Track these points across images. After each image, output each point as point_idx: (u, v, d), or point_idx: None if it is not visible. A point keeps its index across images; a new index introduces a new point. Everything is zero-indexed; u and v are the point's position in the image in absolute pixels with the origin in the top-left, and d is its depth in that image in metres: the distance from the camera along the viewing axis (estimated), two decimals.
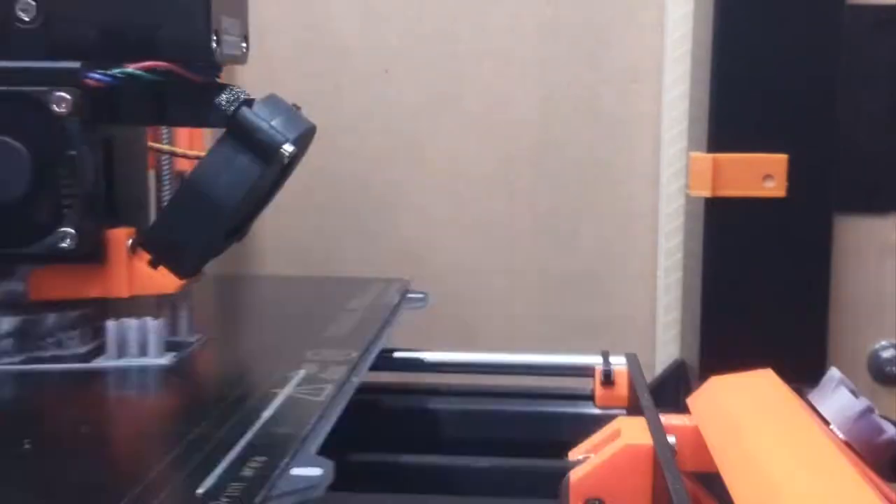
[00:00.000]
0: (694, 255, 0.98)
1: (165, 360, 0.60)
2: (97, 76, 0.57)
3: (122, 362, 0.59)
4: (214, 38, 0.59)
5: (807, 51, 0.92)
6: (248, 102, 0.60)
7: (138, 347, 0.60)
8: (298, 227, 1.07)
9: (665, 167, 1.02)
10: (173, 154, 0.80)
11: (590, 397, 0.70)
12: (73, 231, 0.57)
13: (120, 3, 0.59)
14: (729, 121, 0.93)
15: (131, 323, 0.60)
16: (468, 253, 1.06)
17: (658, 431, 0.53)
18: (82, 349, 0.61)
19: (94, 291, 0.60)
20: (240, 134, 0.59)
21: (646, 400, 0.61)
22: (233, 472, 0.42)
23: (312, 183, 1.06)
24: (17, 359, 0.59)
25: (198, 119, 0.62)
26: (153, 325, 0.60)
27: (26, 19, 0.58)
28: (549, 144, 1.05)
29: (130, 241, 0.61)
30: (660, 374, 1.01)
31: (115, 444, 0.49)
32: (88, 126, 0.58)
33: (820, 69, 0.93)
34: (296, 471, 0.42)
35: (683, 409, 0.59)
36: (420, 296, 0.80)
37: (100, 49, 0.58)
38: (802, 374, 0.61)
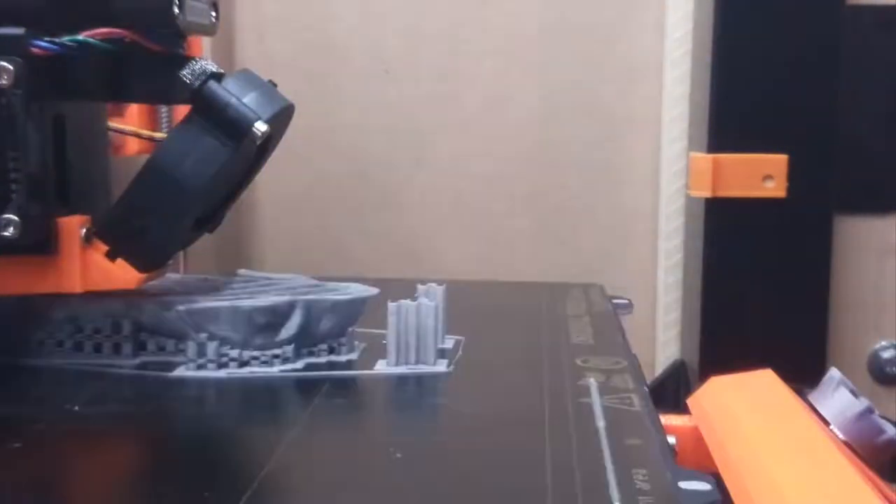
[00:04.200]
0: (694, 256, 0.98)
1: (442, 367, 0.56)
2: (44, 44, 0.51)
3: (404, 369, 0.55)
4: (177, 2, 0.53)
5: (807, 51, 0.92)
6: (217, 76, 0.54)
7: (416, 353, 0.55)
8: (298, 226, 1.07)
9: (665, 167, 1.02)
10: (136, 135, 0.71)
11: None
12: (16, 218, 0.51)
13: None
14: (729, 121, 0.93)
15: (411, 326, 0.55)
16: (468, 253, 1.06)
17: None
18: (354, 355, 0.57)
19: (42, 286, 0.53)
20: (207, 111, 0.53)
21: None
22: (629, 485, 0.39)
23: (313, 183, 1.06)
24: (299, 364, 0.55)
25: (159, 94, 0.56)
26: (429, 328, 0.55)
27: None
28: (549, 144, 1.05)
29: (84, 230, 0.54)
30: (660, 374, 1.01)
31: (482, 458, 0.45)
32: (34, 100, 0.51)
33: (820, 69, 0.93)
34: (685, 484, 0.40)
35: (683, 409, 0.59)
36: (625, 301, 0.77)
37: (48, 14, 0.52)
38: (802, 374, 0.61)
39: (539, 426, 0.46)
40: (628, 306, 0.76)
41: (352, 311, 0.57)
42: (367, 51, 1.05)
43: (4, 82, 0.51)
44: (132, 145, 0.78)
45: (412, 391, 0.54)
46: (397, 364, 0.55)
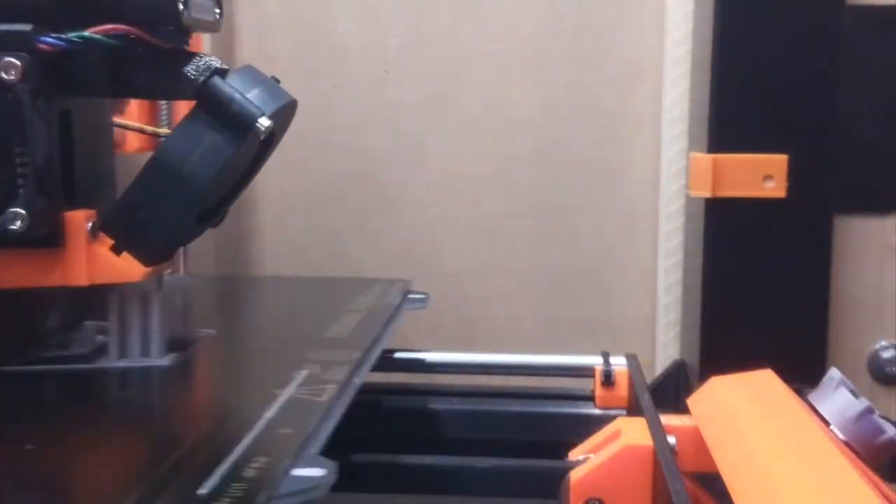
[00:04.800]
0: (694, 256, 0.98)
1: (166, 360, 0.59)
2: (50, 41, 0.52)
3: (124, 363, 0.58)
4: None
5: (807, 51, 0.92)
6: (221, 72, 0.55)
7: (140, 347, 0.58)
8: (298, 227, 1.07)
9: (665, 167, 1.02)
10: (141, 131, 0.72)
11: (590, 398, 0.70)
12: (23, 212, 0.52)
13: None
14: (729, 121, 0.93)
15: (134, 323, 0.58)
16: (468, 253, 1.06)
17: (658, 432, 0.53)
18: (84, 349, 0.59)
19: (49, 280, 0.55)
20: (211, 106, 0.54)
21: (646, 400, 0.61)
22: (235, 473, 0.41)
23: (312, 183, 1.06)
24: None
25: (164, 90, 0.57)
26: (155, 325, 0.58)
27: None
28: (549, 144, 1.05)
29: (91, 224, 0.55)
30: (660, 374, 1.01)
31: (118, 446, 0.49)
32: (41, 96, 0.52)
33: (820, 69, 0.93)
34: (298, 471, 0.42)
35: (683, 410, 0.59)
36: (421, 296, 0.80)
37: (55, 11, 0.53)
38: (802, 374, 0.61)
39: (208, 414, 0.50)
40: (422, 300, 0.79)
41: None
42: (367, 51, 1.05)
43: (12, 78, 0.51)
44: (132, 143, 0.78)
45: (114, 386, 0.57)
46: (119, 358, 0.57)
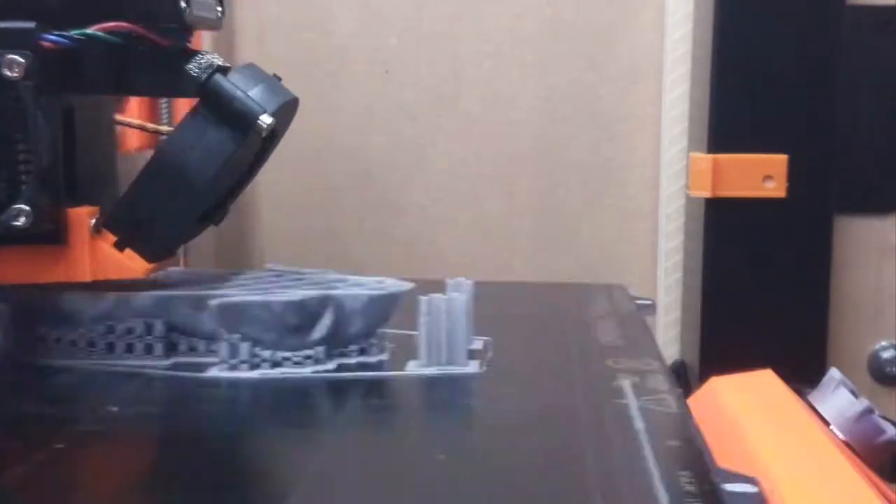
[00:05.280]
0: (694, 256, 0.98)
1: (474, 367, 0.55)
2: (53, 38, 0.52)
3: (435, 370, 0.54)
4: None
5: (807, 51, 0.92)
6: (223, 70, 0.55)
7: (447, 353, 0.54)
8: (298, 226, 1.07)
9: (665, 168, 1.02)
10: (143, 129, 0.72)
11: None
12: (27, 208, 0.52)
13: None
14: (729, 121, 0.93)
15: (442, 324, 0.54)
16: (468, 253, 1.07)
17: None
18: (385, 356, 0.57)
19: (53, 276, 0.55)
20: (213, 104, 0.54)
21: None
22: (676, 488, 0.38)
23: (313, 182, 1.06)
24: (330, 366, 0.55)
25: (166, 87, 0.57)
26: (461, 325, 0.54)
27: None
28: (549, 144, 1.05)
29: (94, 220, 0.55)
30: None
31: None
32: (44, 93, 0.52)
33: (820, 70, 0.93)
34: (729, 486, 0.39)
35: None
36: (649, 302, 0.76)
37: (58, 9, 0.53)
38: (802, 374, 0.61)
39: (577, 428, 0.46)
40: (651, 307, 0.76)
41: (384, 308, 0.57)
42: (367, 51, 1.05)
43: (15, 75, 0.51)
44: (132, 141, 0.78)
45: (446, 393, 0.54)
46: (429, 365, 0.54)
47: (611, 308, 0.71)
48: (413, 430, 0.49)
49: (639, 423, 0.46)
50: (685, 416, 0.47)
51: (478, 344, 0.58)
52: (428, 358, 0.54)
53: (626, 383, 0.52)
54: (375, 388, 0.53)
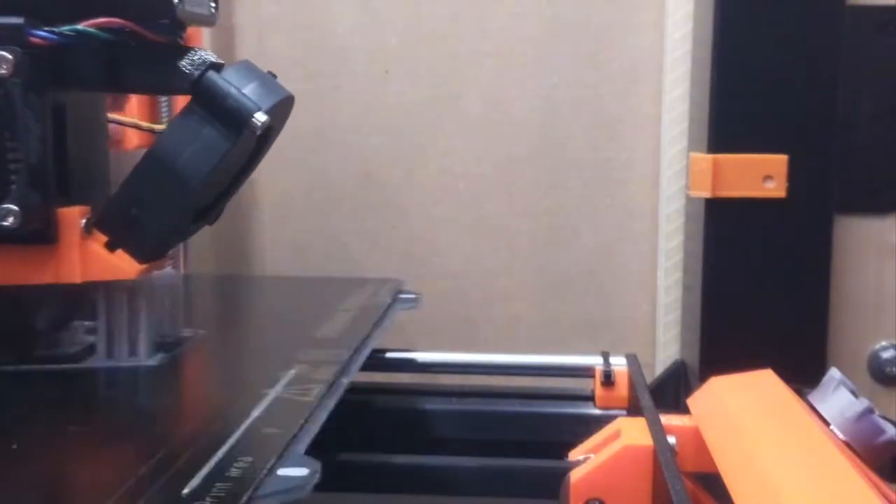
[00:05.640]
0: (694, 256, 0.98)
1: (154, 360, 0.58)
2: (43, 34, 0.52)
3: (112, 363, 0.57)
4: None
5: (807, 51, 0.92)
6: (217, 66, 0.54)
7: (128, 347, 0.57)
8: (298, 227, 1.07)
9: (665, 168, 1.02)
10: (136, 127, 0.71)
11: (590, 398, 0.70)
12: (16, 208, 0.51)
13: None
14: (729, 121, 0.93)
15: (122, 322, 0.57)
16: (468, 253, 1.06)
17: (658, 432, 0.53)
18: (73, 349, 0.59)
19: (42, 277, 0.54)
20: (206, 101, 0.53)
21: (646, 400, 0.61)
22: (219, 473, 0.41)
23: (312, 183, 1.06)
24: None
25: (158, 84, 0.56)
26: (143, 324, 0.57)
27: None
28: (549, 144, 1.05)
29: (84, 220, 0.54)
30: (660, 374, 1.01)
31: (103, 446, 0.49)
32: (33, 90, 0.51)
33: (820, 69, 0.93)
34: (282, 471, 0.42)
35: (683, 410, 0.59)
36: (412, 296, 0.79)
37: (48, 4, 0.52)
38: (802, 374, 0.61)
39: (194, 414, 0.50)
40: (413, 300, 0.78)
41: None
42: (367, 51, 1.05)
43: (4, 72, 0.51)
44: (131, 140, 0.78)
45: (97, 386, 0.56)
46: (108, 358, 0.56)
47: (363, 302, 0.74)
48: (10, 421, 0.50)
49: (255, 412, 0.48)
50: (314, 406, 0.49)
51: (188, 336, 0.61)
52: (106, 352, 0.56)
53: (290, 373, 0.55)
54: (41, 382, 0.55)
